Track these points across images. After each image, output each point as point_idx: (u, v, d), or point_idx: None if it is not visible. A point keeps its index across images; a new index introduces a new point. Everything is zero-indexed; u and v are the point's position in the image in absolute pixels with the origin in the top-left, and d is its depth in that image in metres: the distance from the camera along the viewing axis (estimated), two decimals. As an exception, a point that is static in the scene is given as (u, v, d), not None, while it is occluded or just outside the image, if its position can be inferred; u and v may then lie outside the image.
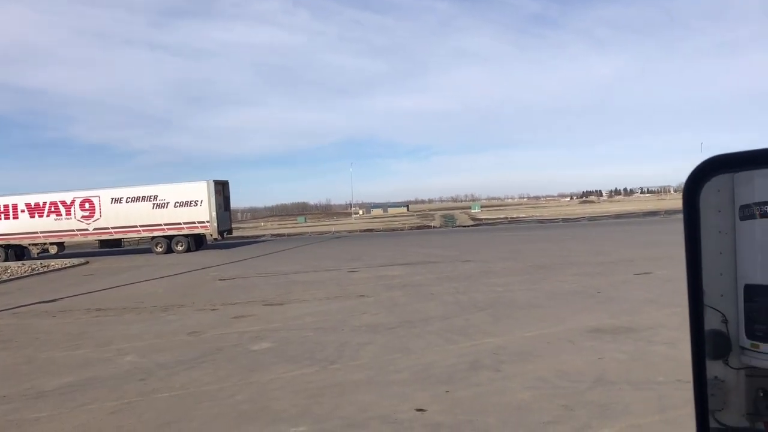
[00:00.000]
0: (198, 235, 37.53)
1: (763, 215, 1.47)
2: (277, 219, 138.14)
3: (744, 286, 1.54)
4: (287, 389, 7.95)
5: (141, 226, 37.04)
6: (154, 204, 36.97)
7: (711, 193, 1.51)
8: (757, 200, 1.48)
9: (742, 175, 1.50)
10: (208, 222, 36.65)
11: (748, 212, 1.51)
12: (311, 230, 64.09)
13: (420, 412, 6.74)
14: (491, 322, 11.52)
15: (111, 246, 38.69)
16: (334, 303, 14.87)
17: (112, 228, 37.45)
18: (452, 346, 9.79)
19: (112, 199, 37.44)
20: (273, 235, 58.65)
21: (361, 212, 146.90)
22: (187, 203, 36.78)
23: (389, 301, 14.60)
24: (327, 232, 56.91)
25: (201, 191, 36.76)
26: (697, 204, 1.32)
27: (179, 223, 36.72)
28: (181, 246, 36.66)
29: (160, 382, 8.68)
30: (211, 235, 37.57)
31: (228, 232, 39.90)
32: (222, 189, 38.55)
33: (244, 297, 16.75)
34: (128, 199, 37.30)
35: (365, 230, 57.87)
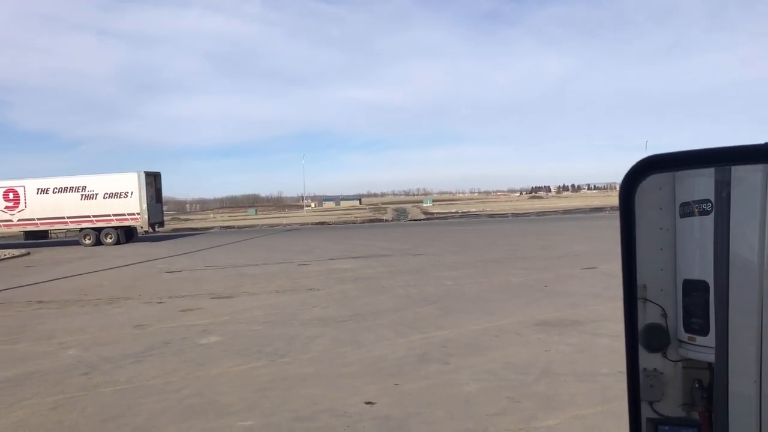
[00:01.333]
0: (128, 227, 36.72)
1: (702, 213, 1.52)
2: (227, 211, 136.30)
3: (683, 282, 1.59)
4: (235, 383, 7.87)
5: (69, 217, 36.00)
6: (82, 195, 35.99)
7: (652, 190, 1.55)
8: (696, 198, 1.53)
9: (683, 174, 1.54)
10: (138, 214, 35.88)
11: (687, 210, 1.55)
12: (262, 223, 63.42)
13: (369, 405, 6.76)
14: (441, 315, 11.63)
15: (37, 238, 37.43)
16: (285, 296, 14.78)
17: (38, 219, 36.28)
18: (402, 339, 9.85)
19: (38, 189, 36.26)
20: (222, 227, 57.85)
21: (313, 205, 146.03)
22: (117, 194, 35.92)
23: (340, 295, 14.58)
24: (278, 225, 56.43)
25: (131, 182, 35.95)
26: (632, 202, 1.36)
27: (109, 215, 35.84)
28: (111, 238, 35.75)
29: (105, 376, 8.48)
30: (142, 227, 36.82)
31: (159, 224, 39.24)
32: (154, 180, 37.80)
33: (192, 290, 16.48)
34: (55, 190, 36.20)
35: (317, 223, 57.61)
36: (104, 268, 23.35)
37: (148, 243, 36.41)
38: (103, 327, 12.01)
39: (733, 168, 1.40)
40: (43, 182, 36.58)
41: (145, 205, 35.81)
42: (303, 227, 52.29)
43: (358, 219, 62.29)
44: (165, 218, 43.10)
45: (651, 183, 1.47)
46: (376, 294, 14.40)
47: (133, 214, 35.91)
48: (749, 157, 1.30)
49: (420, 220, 58.12)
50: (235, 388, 7.67)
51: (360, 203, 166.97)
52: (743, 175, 1.39)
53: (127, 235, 36.76)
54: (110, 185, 36.09)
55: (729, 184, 1.41)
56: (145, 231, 37.69)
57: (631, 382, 1.39)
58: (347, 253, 24.81)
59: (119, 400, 7.38)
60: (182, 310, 13.43)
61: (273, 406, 6.89)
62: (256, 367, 8.60)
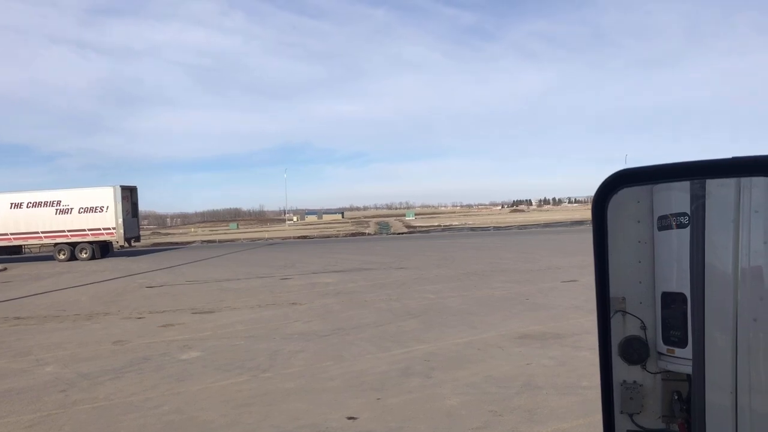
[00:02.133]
0: (104, 242, 36.22)
1: (679, 226, 1.53)
2: (208, 225, 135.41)
3: (661, 294, 1.60)
4: (216, 399, 7.79)
5: (43, 232, 35.48)
6: (57, 209, 35.51)
7: (630, 204, 1.57)
8: (673, 211, 1.55)
9: (660, 188, 1.56)
10: (114, 229, 35.42)
11: (665, 223, 1.57)
12: (244, 237, 63.08)
13: (351, 420, 6.72)
14: (423, 329, 11.62)
15: (10, 253, 36.75)
16: (266, 311, 14.68)
17: (12, 234, 35.66)
18: (384, 353, 9.82)
19: (12, 204, 35.69)
20: (203, 241, 57.44)
21: (295, 219, 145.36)
22: (92, 209, 35.45)
23: (322, 309, 14.52)
24: (260, 239, 56.15)
25: (107, 197, 35.52)
26: (605, 214, 1.38)
27: (83, 230, 35.37)
28: (85, 253, 35.26)
29: (83, 393, 8.34)
30: (118, 242, 36.31)
31: (136, 239, 38.78)
32: (130, 194, 37.37)
33: (173, 305, 16.32)
34: (29, 204, 35.67)
35: (299, 237, 57.40)
36: (83, 284, 23.05)
37: (124, 258, 36.02)
38: (81, 343, 11.84)
39: (707, 182, 1.42)
40: (17, 197, 36.02)
41: (120, 220, 35.35)
42: (285, 241, 52.09)
43: (341, 233, 62.22)
44: (146, 233, 42.69)
45: (629, 196, 1.48)
46: (359, 308, 14.35)
47: (109, 228, 35.44)
48: (720, 171, 1.32)
49: (402, 233, 58.18)
50: (215, 404, 7.59)
51: (342, 217, 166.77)
52: (716, 189, 1.41)
53: (102, 250, 36.27)
54: (85, 199, 35.62)
55: (704, 197, 1.43)
56: (120, 246, 37.24)
57: (605, 395, 1.40)
58: (330, 267, 24.74)
59: (98, 417, 7.27)
60: (162, 326, 13.29)
61: (254, 422, 6.83)
62: (237, 382, 8.52)
